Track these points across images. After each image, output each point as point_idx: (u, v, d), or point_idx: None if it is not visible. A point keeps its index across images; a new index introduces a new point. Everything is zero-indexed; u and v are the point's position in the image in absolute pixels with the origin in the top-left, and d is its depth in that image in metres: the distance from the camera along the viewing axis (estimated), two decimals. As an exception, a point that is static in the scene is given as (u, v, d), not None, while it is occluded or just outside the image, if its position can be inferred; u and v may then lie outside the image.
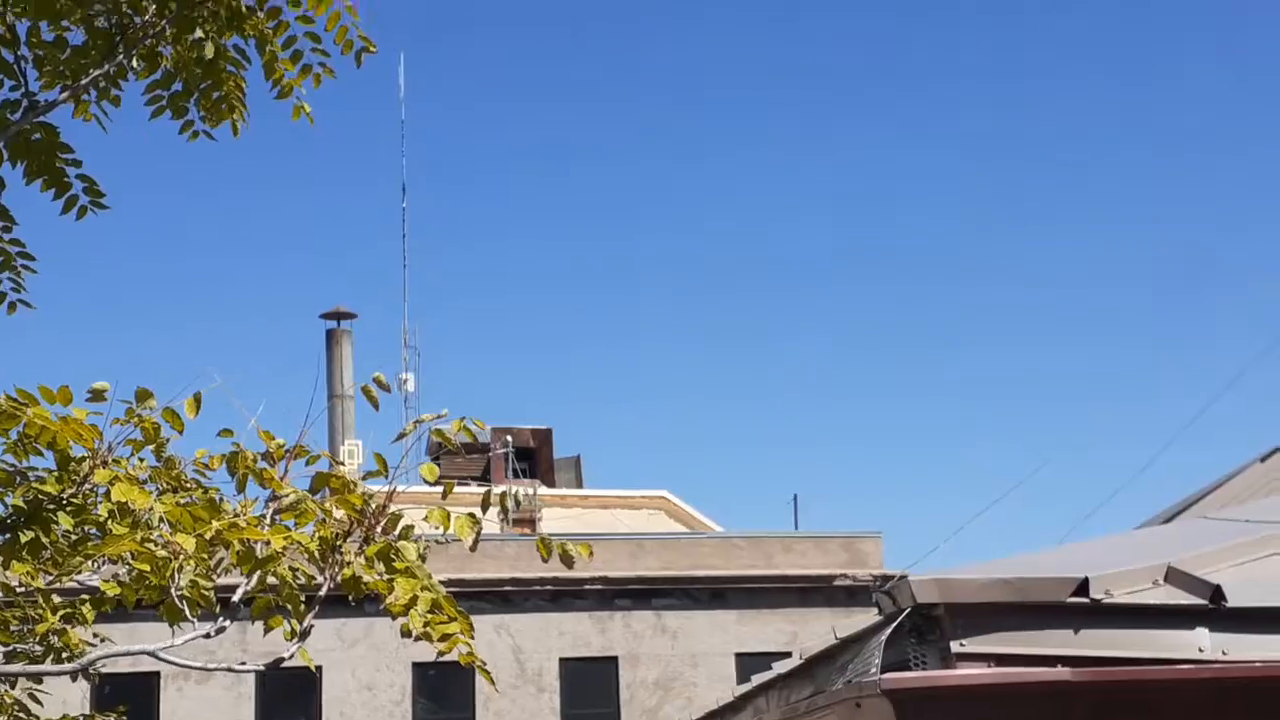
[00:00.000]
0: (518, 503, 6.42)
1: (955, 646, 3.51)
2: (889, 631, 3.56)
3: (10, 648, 6.04)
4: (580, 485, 33.84)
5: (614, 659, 25.39)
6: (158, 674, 24.01)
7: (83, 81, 6.29)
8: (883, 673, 3.41)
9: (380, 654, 24.47)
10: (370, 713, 24.56)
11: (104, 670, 22.80)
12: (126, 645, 5.04)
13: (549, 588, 25.09)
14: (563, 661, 25.13)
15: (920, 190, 61.05)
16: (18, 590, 5.79)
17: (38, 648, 6.32)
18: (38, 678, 6.39)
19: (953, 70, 60.95)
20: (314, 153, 62.13)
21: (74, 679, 5.44)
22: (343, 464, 5.41)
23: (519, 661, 25.05)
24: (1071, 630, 3.58)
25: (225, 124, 6.79)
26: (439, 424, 5.09)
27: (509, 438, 31.81)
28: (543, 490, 30.98)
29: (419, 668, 24.39)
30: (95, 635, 6.61)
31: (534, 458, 33.35)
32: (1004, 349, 60.46)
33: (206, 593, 5.05)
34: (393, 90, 48.82)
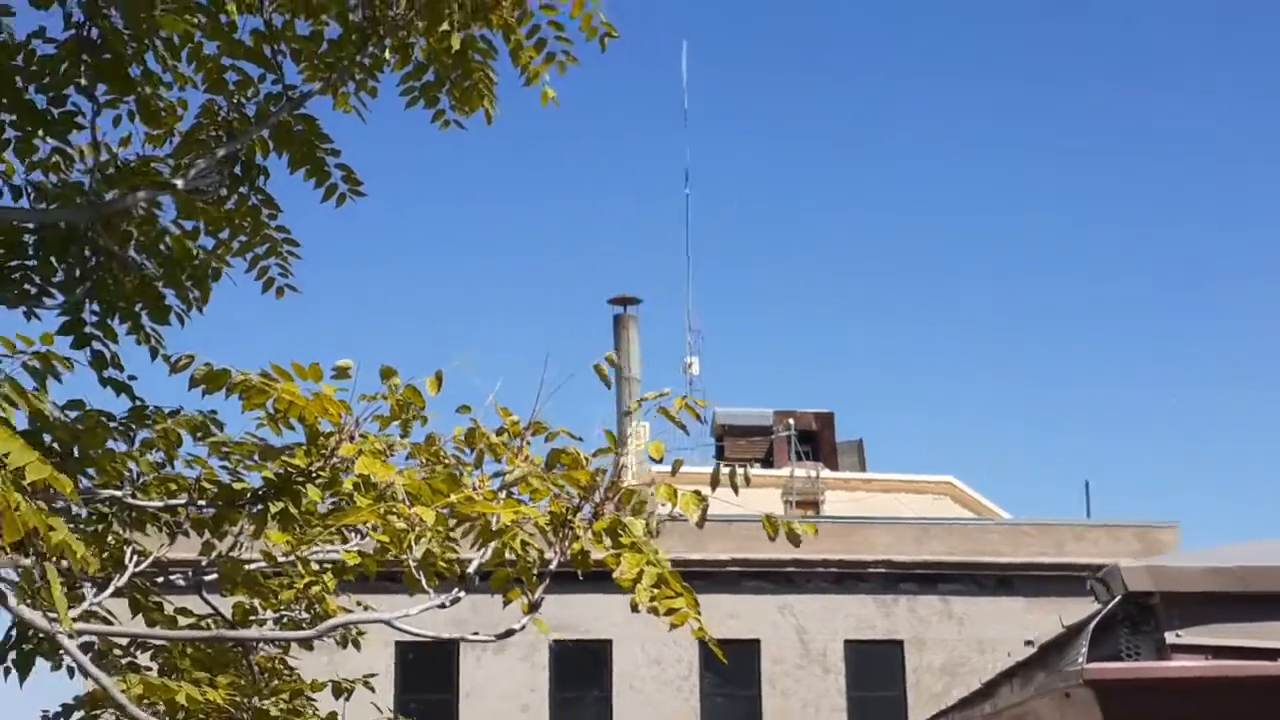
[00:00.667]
0: (747, 480, 6.41)
1: (1170, 638, 3.34)
2: (1097, 621, 3.41)
3: (279, 615, 6.33)
4: (863, 469, 33.51)
5: (899, 642, 25.09)
6: (457, 643, 24.94)
7: (339, 74, 6.54)
8: (1092, 663, 3.26)
9: (669, 630, 24.67)
10: (659, 687, 24.93)
11: (407, 640, 23.56)
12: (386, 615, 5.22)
13: (833, 570, 24.95)
14: (847, 643, 24.97)
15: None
16: (280, 560, 6.06)
17: (305, 614, 6.60)
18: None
19: None
20: (601, 143, 63.26)
21: (309, 647, 5.67)
22: (580, 439, 5.46)
23: (803, 642, 25.02)
24: (1296, 623, 3.35)
25: (479, 113, 6.95)
26: (663, 403, 5.11)
27: (791, 421, 31.72)
28: (825, 473, 30.78)
29: (707, 645, 24.54)
30: (359, 604, 6.89)
31: (816, 441, 33.16)
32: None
33: (443, 564, 5.20)
34: (676, 79, 49.24)
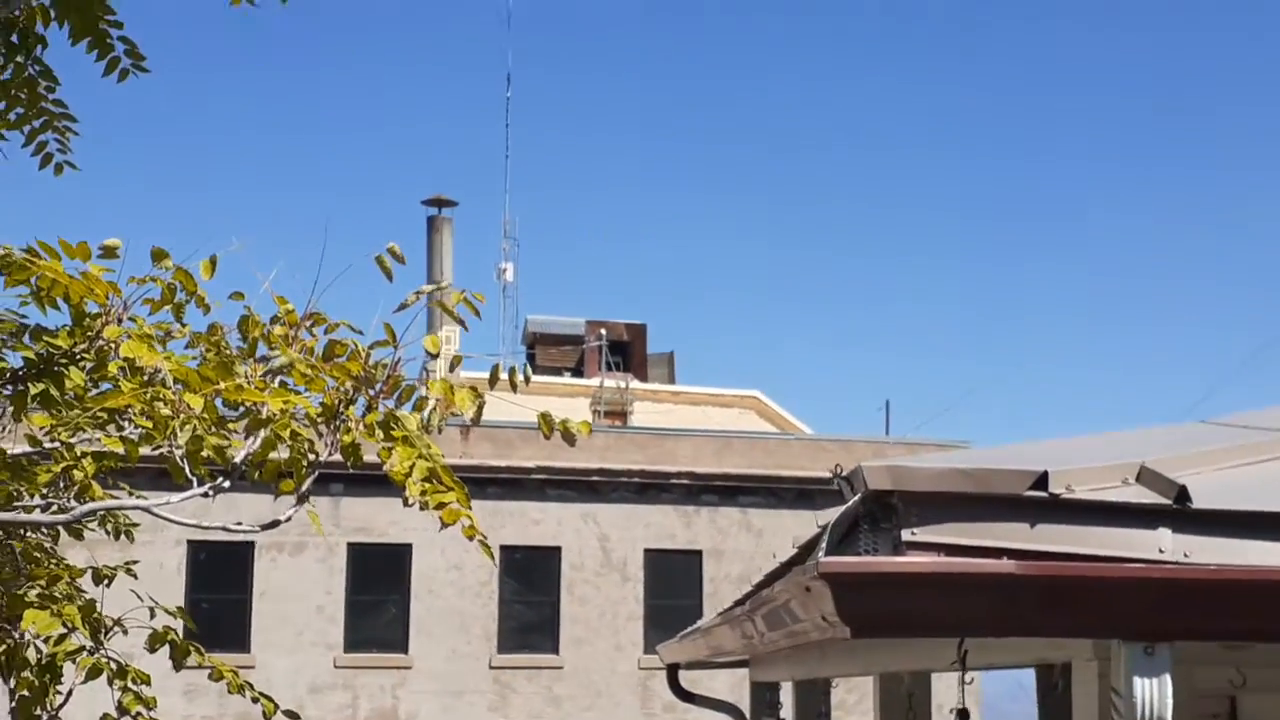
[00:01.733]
0: (527, 379, 6.39)
1: (906, 535, 3.44)
2: (838, 518, 3.50)
3: (47, 502, 6.14)
4: (672, 382, 33.93)
5: (698, 552, 25.57)
6: (252, 545, 24.66)
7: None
8: (827, 558, 3.35)
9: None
10: (459, 592, 25.04)
11: (200, 539, 23.14)
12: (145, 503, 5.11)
13: (636, 480, 25.27)
14: (647, 552, 25.37)
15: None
16: (46, 445, 5.88)
17: (74, 503, 6.41)
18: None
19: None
20: (419, 37, 62.16)
21: (78, 536, 5.54)
22: (360, 331, 5.37)
23: (604, 550, 25.33)
24: (1027, 524, 3.48)
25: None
26: (440, 296, 5.06)
27: (603, 331, 31.91)
28: (635, 384, 31.08)
29: (507, 550, 24.79)
30: (129, 493, 6.71)
31: (628, 352, 33.43)
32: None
33: (211, 452, 5.09)
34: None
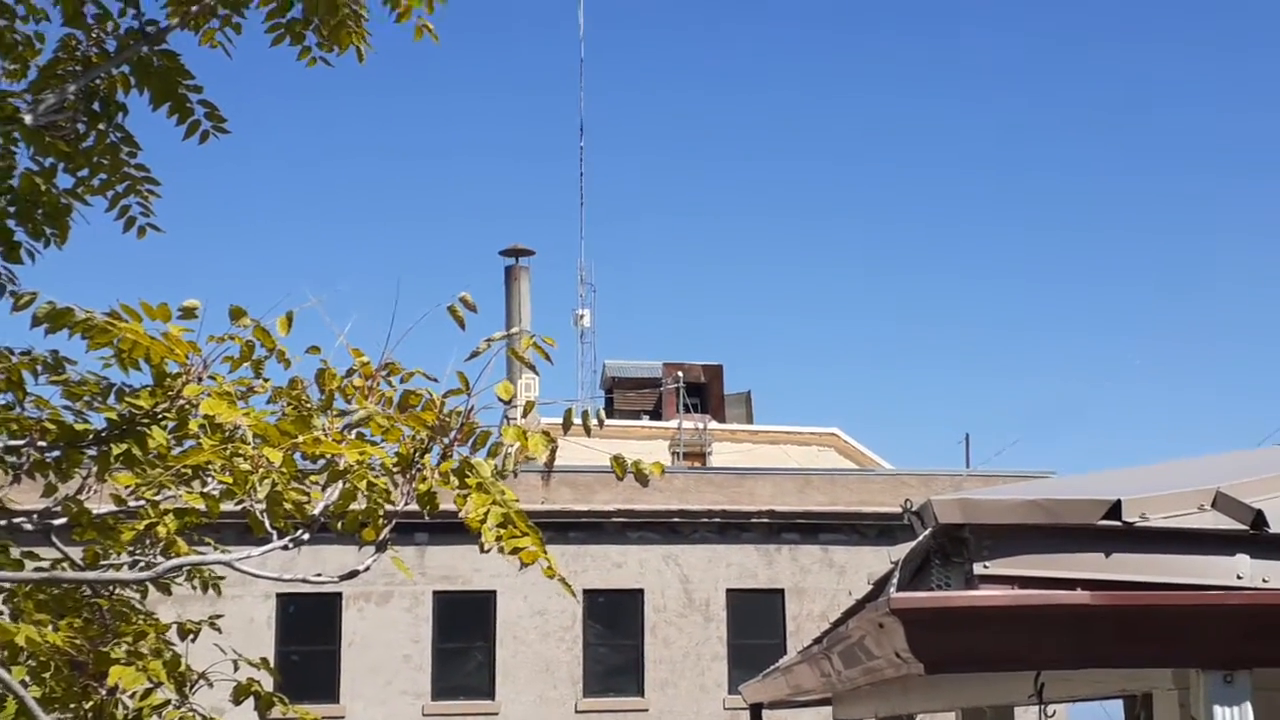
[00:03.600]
0: (600, 421, 6.43)
1: (978, 568, 3.43)
2: (909, 553, 3.50)
3: (134, 560, 6.25)
4: (750, 421, 33.87)
5: (780, 591, 25.45)
6: (339, 596, 24.85)
7: (200, 9, 6.44)
8: (898, 593, 3.35)
9: (552, 580, 24.82)
10: (543, 637, 25.06)
11: (287, 592, 23.28)
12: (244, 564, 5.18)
13: (717, 520, 25.22)
14: (729, 592, 25.29)
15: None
16: (132, 505, 5.98)
17: (160, 559, 6.52)
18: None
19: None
20: (494, 92, 62.84)
21: (150, 588, 5.63)
22: (435, 379, 5.42)
23: (686, 591, 25.27)
24: (1102, 554, 3.46)
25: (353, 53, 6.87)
26: (513, 343, 5.12)
27: (680, 374, 31.95)
28: (713, 425, 31.07)
29: (589, 594, 24.83)
30: (215, 548, 6.81)
31: (705, 393, 33.45)
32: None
33: (289, 506, 5.17)
34: (573, 29, 48.99)
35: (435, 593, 24.99)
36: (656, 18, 62.10)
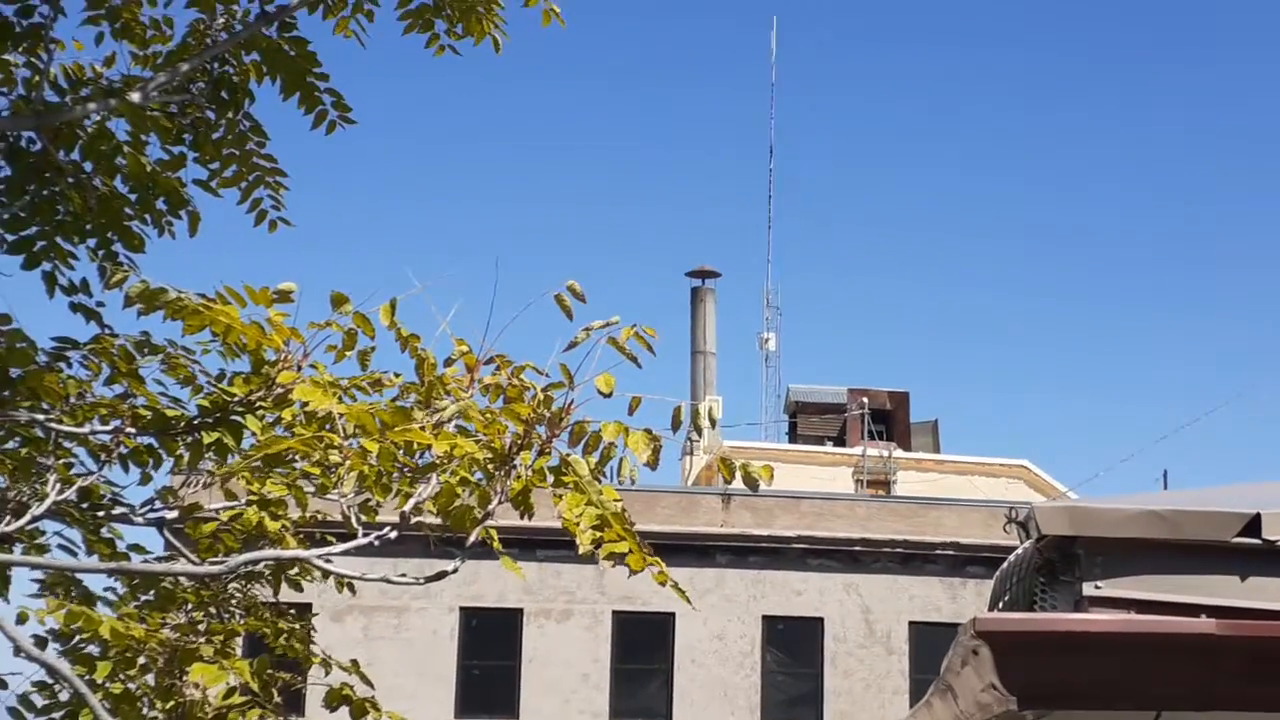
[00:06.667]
0: (713, 421, 6.08)
1: (1088, 589, 2.95)
2: (1005, 566, 3.03)
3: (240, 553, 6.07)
4: (937, 450, 33.03)
5: (966, 626, 24.61)
6: (521, 611, 24.85)
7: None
8: (986, 614, 2.89)
9: (731, 605, 24.58)
10: (721, 661, 24.70)
11: (470, 605, 23.33)
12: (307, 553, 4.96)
13: (900, 550, 24.52)
14: (912, 625, 24.55)
15: None
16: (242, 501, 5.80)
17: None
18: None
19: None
20: (683, 115, 62.83)
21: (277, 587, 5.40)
22: (545, 373, 5.10)
23: (868, 622, 24.62)
24: (1236, 577, 2.95)
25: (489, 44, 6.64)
26: (611, 332, 4.78)
27: (865, 400, 31.32)
28: (898, 453, 30.37)
29: (768, 620, 24.40)
30: (329, 540, 6.58)
31: (890, 420, 32.72)
32: None
33: (382, 499, 4.91)
34: (764, 53, 48.68)
35: (614, 612, 24.83)
36: (848, 27, 61.33)
